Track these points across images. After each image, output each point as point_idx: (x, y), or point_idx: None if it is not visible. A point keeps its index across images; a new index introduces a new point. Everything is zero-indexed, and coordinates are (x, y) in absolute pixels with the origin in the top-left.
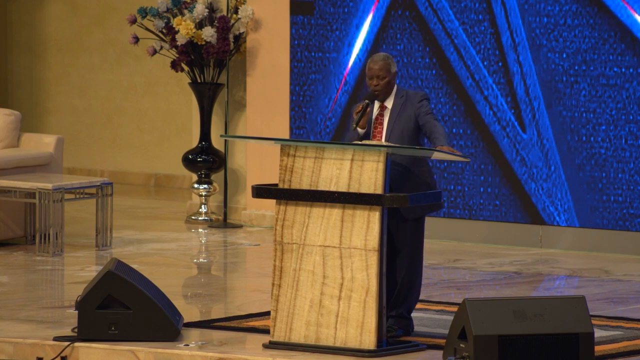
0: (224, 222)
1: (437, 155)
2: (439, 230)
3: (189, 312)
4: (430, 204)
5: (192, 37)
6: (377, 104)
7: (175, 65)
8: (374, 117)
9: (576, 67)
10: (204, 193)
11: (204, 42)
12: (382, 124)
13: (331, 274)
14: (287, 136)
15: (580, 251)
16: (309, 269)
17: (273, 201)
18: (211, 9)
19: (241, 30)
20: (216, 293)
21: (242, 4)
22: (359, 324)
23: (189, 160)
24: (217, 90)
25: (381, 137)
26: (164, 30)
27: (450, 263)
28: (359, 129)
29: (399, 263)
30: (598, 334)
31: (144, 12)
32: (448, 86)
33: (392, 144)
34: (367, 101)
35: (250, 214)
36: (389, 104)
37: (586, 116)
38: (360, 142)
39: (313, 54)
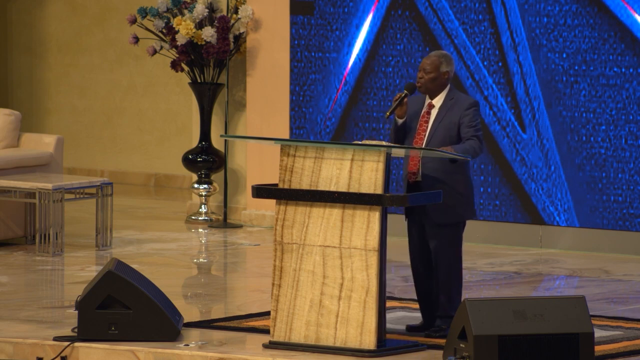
0: (224, 222)
1: (437, 155)
2: None
3: (189, 312)
4: (468, 210)
5: (192, 37)
6: (426, 101)
7: (175, 65)
8: (421, 113)
9: (576, 67)
10: (204, 193)
11: (204, 42)
12: (427, 122)
13: (331, 274)
14: (287, 136)
15: (580, 251)
16: (309, 269)
17: (273, 201)
18: (211, 9)
19: (241, 30)
20: (216, 293)
21: (242, 4)
22: (359, 324)
23: (189, 160)
24: (217, 90)
25: (424, 135)
26: (164, 30)
27: None
28: (397, 119)
29: (438, 265)
30: (598, 334)
31: (144, 12)
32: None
33: (391, 144)
34: (405, 91)
35: (250, 214)
36: (437, 103)
37: (586, 116)
38: (360, 142)
39: (313, 54)
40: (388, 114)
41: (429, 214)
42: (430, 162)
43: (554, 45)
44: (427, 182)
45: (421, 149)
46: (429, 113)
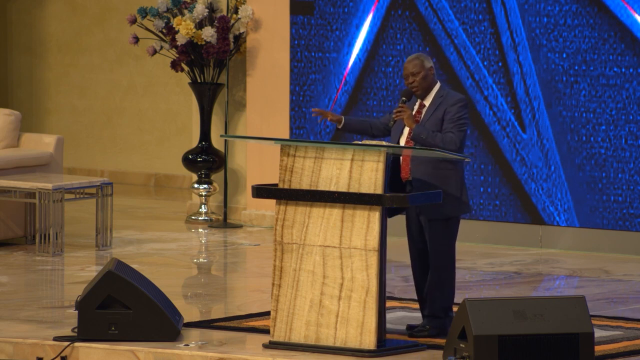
0: (224, 222)
1: (436, 155)
2: None
3: (189, 312)
4: (457, 205)
5: (192, 37)
6: (417, 103)
7: (175, 65)
8: (413, 114)
9: (576, 67)
10: (204, 193)
11: (204, 42)
12: (418, 121)
13: (331, 274)
14: (287, 136)
15: (580, 251)
16: (309, 269)
17: (273, 201)
18: (211, 9)
19: (241, 30)
20: (216, 293)
21: (242, 4)
22: (359, 324)
23: (189, 160)
24: (217, 90)
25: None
26: (164, 30)
27: None
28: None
29: (430, 262)
30: (598, 334)
31: (144, 12)
32: (448, 86)
33: (391, 144)
34: (404, 98)
35: (250, 214)
36: (427, 102)
37: (586, 116)
38: (360, 142)
39: (313, 54)
40: (392, 123)
41: (422, 209)
42: (421, 158)
43: (554, 45)
44: (418, 179)
45: (420, 148)
46: (420, 112)
